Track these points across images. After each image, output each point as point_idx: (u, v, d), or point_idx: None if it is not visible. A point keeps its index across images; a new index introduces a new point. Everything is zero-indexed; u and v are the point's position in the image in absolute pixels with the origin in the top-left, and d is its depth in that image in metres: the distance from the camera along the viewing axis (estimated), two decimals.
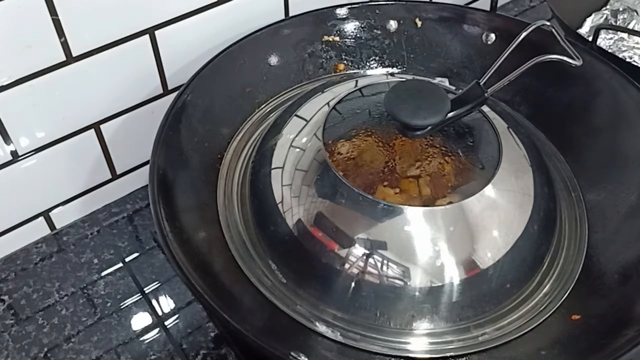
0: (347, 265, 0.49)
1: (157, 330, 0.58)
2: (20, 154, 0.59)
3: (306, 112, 0.57)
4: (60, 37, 0.55)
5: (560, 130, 0.64)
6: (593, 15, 0.82)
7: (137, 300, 0.60)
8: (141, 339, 0.57)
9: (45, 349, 0.56)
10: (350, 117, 0.55)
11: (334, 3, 0.68)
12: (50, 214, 0.64)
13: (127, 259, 0.63)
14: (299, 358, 0.45)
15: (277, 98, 0.66)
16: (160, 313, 0.59)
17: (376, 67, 0.70)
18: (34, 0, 0.52)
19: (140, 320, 0.58)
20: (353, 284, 0.49)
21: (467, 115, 0.54)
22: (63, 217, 0.65)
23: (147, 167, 0.53)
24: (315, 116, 0.56)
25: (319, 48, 0.68)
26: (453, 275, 0.49)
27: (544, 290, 0.53)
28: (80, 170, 0.64)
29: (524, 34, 0.56)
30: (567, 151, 0.63)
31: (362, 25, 0.69)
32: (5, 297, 0.60)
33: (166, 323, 0.58)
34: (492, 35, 0.67)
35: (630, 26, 0.80)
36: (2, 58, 0.53)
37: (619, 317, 0.49)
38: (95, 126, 0.62)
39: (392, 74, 0.69)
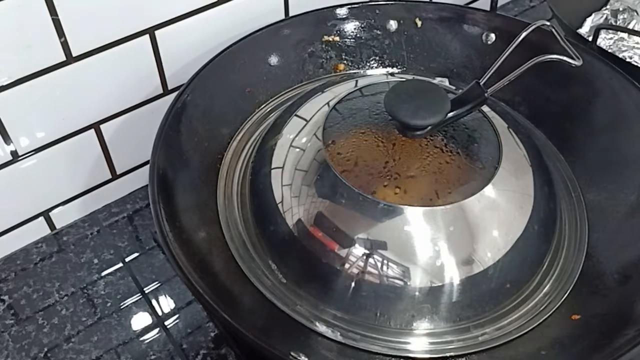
0: (347, 265, 0.49)
1: (157, 330, 0.58)
2: (20, 154, 0.59)
3: (306, 112, 0.57)
4: (60, 37, 0.55)
5: (560, 130, 0.64)
6: (593, 15, 0.82)
7: (137, 300, 0.60)
8: (141, 339, 0.57)
9: (45, 349, 0.56)
10: (350, 117, 0.55)
11: (334, 3, 0.68)
12: (50, 214, 0.64)
13: (127, 259, 0.63)
14: (299, 358, 0.45)
15: (277, 98, 0.66)
16: (160, 313, 0.59)
17: (376, 67, 0.70)
18: (34, 0, 0.52)
19: (140, 320, 0.58)
20: (353, 284, 0.49)
21: (467, 115, 0.54)
22: (63, 217, 0.65)
23: (147, 167, 0.53)
24: (315, 116, 0.56)
25: (319, 48, 0.68)
26: (453, 275, 0.49)
27: (544, 290, 0.53)
28: (80, 170, 0.64)
29: (524, 34, 0.56)
30: (567, 151, 0.63)
31: (362, 25, 0.69)
32: (5, 297, 0.60)
33: (166, 323, 0.58)
34: (492, 35, 0.67)
35: (630, 26, 0.80)
36: (2, 58, 0.53)
37: (619, 317, 0.49)
38: (95, 126, 0.62)
39: (392, 74, 0.69)
